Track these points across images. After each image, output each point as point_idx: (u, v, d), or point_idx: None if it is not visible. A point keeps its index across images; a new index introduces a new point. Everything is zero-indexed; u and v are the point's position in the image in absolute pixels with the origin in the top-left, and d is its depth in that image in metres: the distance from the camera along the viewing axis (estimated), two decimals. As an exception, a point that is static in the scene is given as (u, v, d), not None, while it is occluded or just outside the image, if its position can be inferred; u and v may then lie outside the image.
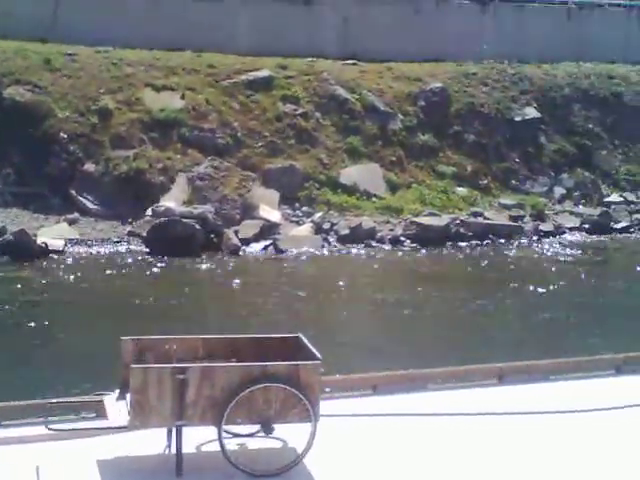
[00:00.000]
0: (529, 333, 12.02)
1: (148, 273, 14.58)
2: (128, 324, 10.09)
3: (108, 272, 14.49)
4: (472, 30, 23.60)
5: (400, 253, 16.87)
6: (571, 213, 19.76)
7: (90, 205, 16.84)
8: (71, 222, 16.36)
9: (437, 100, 20.98)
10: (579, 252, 17.51)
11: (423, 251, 17.01)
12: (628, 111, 22.53)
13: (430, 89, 21.07)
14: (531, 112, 21.60)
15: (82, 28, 20.39)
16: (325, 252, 16.60)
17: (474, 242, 17.67)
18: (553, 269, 16.07)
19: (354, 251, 16.80)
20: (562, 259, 16.93)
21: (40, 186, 16.91)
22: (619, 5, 26.10)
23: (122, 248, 15.85)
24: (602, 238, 18.91)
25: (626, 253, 18.06)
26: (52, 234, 15.70)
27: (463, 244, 17.57)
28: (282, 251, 16.26)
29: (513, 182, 20.53)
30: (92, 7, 21.07)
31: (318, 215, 17.79)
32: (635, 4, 25.94)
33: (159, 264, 15.02)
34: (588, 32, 24.63)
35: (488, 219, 18.63)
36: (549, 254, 17.35)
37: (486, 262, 16.44)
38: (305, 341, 5.46)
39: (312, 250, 16.47)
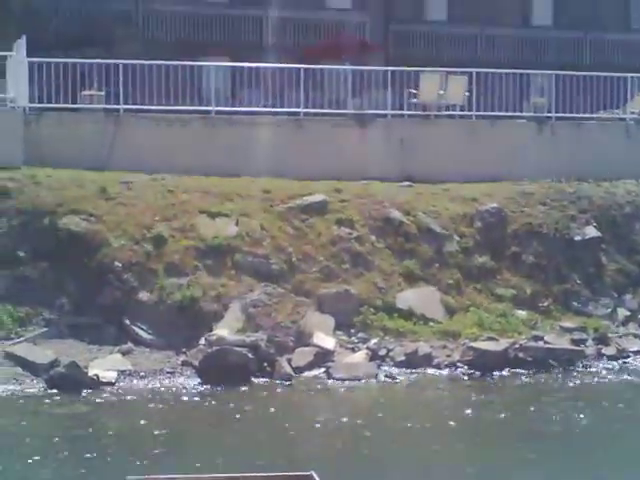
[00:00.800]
0: None
1: (197, 404, 14.36)
2: (165, 456, 9.82)
3: (158, 404, 14.30)
4: (529, 149, 23.49)
5: (456, 380, 16.49)
6: (635, 336, 19.21)
7: (144, 335, 16.76)
8: (125, 352, 16.26)
9: (494, 221, 20.75)
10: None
11: (479, 377, 16.59)
12: (689, 229, 22.08)
13: (486, 210, 20.86)
14: (591, 231, 21.24)
15: (140, 156, 20.71)
16: (380, 379, 16.28)
17: (533, 368, 17.19)
18: (620, 405, 15.44)
19: (410, 378, 16.46)
20: (626, 388, 16.38)
21: (95, 316, 16.89)
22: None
23: (175, 379, 15.68)
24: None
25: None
26: (105, 365, 15.60)
27: (522, 370, 17.09)
28: (335, 379, 15.97)
29: (575, 304, 20.08)
30: (149, 135, 21.40)
31: (374, 341, 17.52)
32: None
33: (210, 394, 14.84)
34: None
35: (548, 343, 18.17)
36: (613, 381, 16.80)
37: (546, 390, 15.98)
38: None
39: (366, 378, 16.17)
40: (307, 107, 23.06)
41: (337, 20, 33.92)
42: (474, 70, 24.35)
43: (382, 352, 17.22)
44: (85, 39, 27.93)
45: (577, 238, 21.04)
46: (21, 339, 16.05)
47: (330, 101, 23.98)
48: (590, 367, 17.61)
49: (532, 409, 14.86)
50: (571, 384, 16.57)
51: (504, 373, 16.99)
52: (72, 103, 21.68)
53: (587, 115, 24.96)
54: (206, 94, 22.68)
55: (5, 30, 23.61)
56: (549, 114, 24.60)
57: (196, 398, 14.79)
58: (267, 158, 21.50)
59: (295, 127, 22.74)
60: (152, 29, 31.84)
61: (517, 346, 17.75)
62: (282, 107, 23.41)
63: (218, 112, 22.59)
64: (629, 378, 17.07)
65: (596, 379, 16.99)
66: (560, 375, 17.12)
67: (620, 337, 19.12)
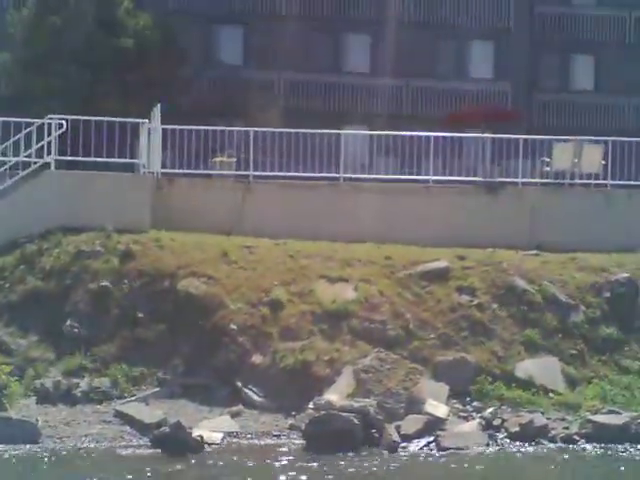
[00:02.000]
0: None
1: (299, 469, 14.28)
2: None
3: (260, 466, 14.30)
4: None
5: (571, 453, 15.92)
6: None
7: (255, 397, 16.85)
8: (234, 415, 16.37)
9: (623, 291, 20.14)
10: None
11: (597, 452, 16.00)
12: None
13: (616, 279, 20.28)
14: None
15: (268, 222, 21.06)
16: (491, 450, 15.87)
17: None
18: None
19: (522, 450, 16.00)
20: None
21: (208, 377, 17.11)
22: None
23: (281, 442, 15.67)
24: None
25: None
26: (212, 427, 15.73)
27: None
28: (444, 449, 15.66)
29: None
30: (278, 201, 21.75)
31: (489, 410, 17.14)
32: None
33: (313, 460, 14.71)
34: None
35: (680, 419, 17.41)
36: None
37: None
38: None
39: (477, 448, 15.79)
40: (437, 174, 22.96)
41: (479, 89, 33.87)
42: (611, 139, 23.87)
43: (496, 422, 16.80)
44: (225, 107, 28.71)
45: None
46: (132, 398, 16.34)
47: (467, 168, 23.86)
48: None
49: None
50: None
51: (623, 448, 16.27)
52: (203, 169, 22.24)
53: None
54: (335, 160, 22.80)
55: (147, 95, 24.43)
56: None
57: (298, 461, 14.69)
58: (393, 224, 21.58)
59: (424, 194, 22.70)
60: (292, 98, 32.46)
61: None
62: (412, 174, 23.40)
63: (346, 179, 22.75)
64: None
65: None
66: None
67: None
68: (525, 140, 23.61)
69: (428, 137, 23.15)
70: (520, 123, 31.67)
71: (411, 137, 23.30)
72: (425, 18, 34.23)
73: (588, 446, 16.30)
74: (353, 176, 22.92)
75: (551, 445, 16.33)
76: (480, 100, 33.50)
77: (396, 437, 15.70)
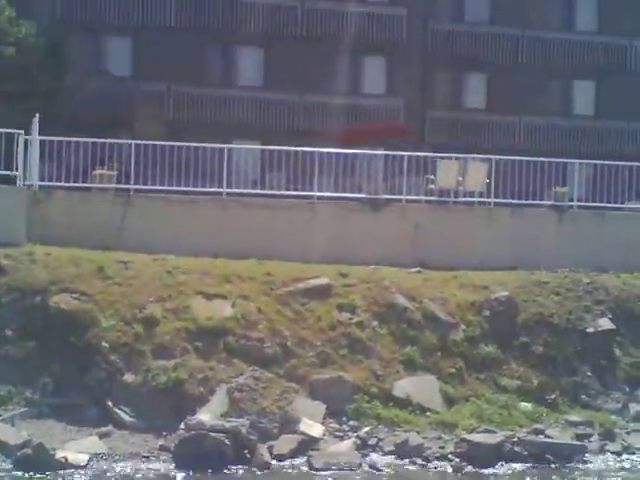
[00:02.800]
0: None
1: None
2: None
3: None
4: (548, 238, 23.03)
5: (443, 473, 15.86)
6: (645, 432, 18.43)
7: (126, 417, 16.43)
8: (103, 435, 15.92)
9: (503, 309, 20.19)
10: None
11: (469, 471, 15.96)
12: None
13: (496, 298, 20.31)
14: (605, 323, 20.57)
15: (148, 237, 20.66)
16: (364, 469, 15.70)
17: (528, 463, 16.51)
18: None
19: (396, 469, 15.87)
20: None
21: (78, 397, 16.64)
22: None
23: (150, 464, 15.27)
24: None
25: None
26: (79, 448, 15.27)
27: (516, 465, 16.42)
28: (316, 469, 15.45)
29: (583, 397, 19.37)
30: (159, 216, 21.36)
31: (365, 430, 17.00)
32: None
33: (181, 481, 14.40)
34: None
35: (549, 437, 17.49)
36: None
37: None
38: None
39: (348, 468, 15.61)
40: (324, 191, 22.82)
41: (372, 105, 33.92)
42: (494, 157, 24.03)
43: (372, 441, 16.67)
44: (111, 119, 28.22)
45: (590, 330, 20.39)
46: (-2, 418, 15.82)
47: (354, 185, 23.76)
48: (589, 463, 16.81)
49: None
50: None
51: (496, 467, 16.25)
52: (84, 182, 21.76)
53: (610, 205, 24.45)
54: (218, 174, 22.45)
55: (27, 105, 23.87)
56: (571, 203, 24.13)
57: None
58: (277, 241, 21.37)
59: (309, 211, 22.53)
60: (183, 111, 32.10)
61: (515, 439, 17.08)
62: (300, 190, 23.23)
63: (230, 194, 22.47)
64: (628, 475, 16.26)
65: (595, 478, 16.18)
66: (557, 471, 16.35)
67: (628, 433, 18.35)
68: (409, 157, 23.58)
69: (314, 153, 22.94)
70: (412, 140, 31.76)
71: (302, 152, 23.06)
72: (319, 32, 34.15)
73: (462, 465, 16.20)
74: (237, 191, 22.60)
75: (425, 464, 16.21)
76: (373, 116, 33.52)
77: (268, 457, 15.43)
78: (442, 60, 35.59)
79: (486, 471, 16.09)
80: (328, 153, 23.42)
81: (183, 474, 14.77)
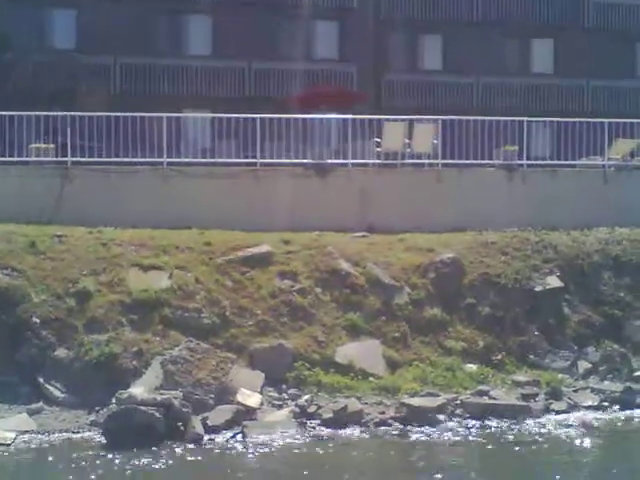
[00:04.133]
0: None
1: (94, 468, 13.60)
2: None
3: (51, 466, 13.59)
4: (498, 197, 22.71)
5: (382, 439, 15.57)
6: (592, 390, 18.17)
7: (58, 393, 16.10)
8: (33, 412, 15.59)
9: (448, 271, 19.89)
10: (584, 436, 15.93)
11: (409, 436, 15.68)
12: (665, 277, 21.02)
13: (441, 260, 20.01)
14: (553, 281, 20.29)
15: (86, 210, 20.26)
16: (301, 439, 15.37)
17: (470, 425, 16.27)
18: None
19: (334, 436, 15.57)
20: (558, 446, 15.38)
21: (9, 374, 16.26)
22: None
23: (79, 439, 14.94)
24: (622, 417, 17.26)
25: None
26: (7, 426, 14.93)
27: (456, 427, 16.15)
28: (250, 439, 15.13)
29: (531, 357, 19.13)
30: (97, 188, 20.95)
31: (305, 398, 16.70)
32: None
33: (109, 457, 14.04)
34: (627, 196, 23.39)
35: (494, 398, 17.24)
36: (548, 439, 15.79)
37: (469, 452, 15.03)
38: None
39: (285, 437, 15.29)
40: (264, 157, 22.42)
41: (324, 70, 33.44)
42: (441, 117, 23.67)
43: (312, 409, 16.36)
44: (56, 93, 27.70)
45: (538, 288, 20.11)
46: None
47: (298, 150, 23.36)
48: (533, 423, 16.54)
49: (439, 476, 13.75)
50: (504, 439, 15.59)
51: (435, 430, 15.98)
52: (20, 157, 21.34)
53: (561, 162, 24.17)
54: (158, 144, 21.98)
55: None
56: (520, 161, 23.79)
57: (98, 461, 13.97)
58: (218, 210, 21.01)
59: (252, 178, 22.14)
60: (131, 83, 31.58)
61: (457, 402, 16.83)
62: (246, 158, 22.84)
63: (171, 163, 22.05)
64: (570, 433, 16.01)
65: (535, 436, 15.92)
66: (500, 431, 16.09)
67: (576, 391, 18.12)
68: (354, 120, 23.19)
69: (256, 119, 22.51)
70: (368, 104, 31.32)
71: (251, 120, 22.60)
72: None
73: (401, 430, 15.93)
74: (176, 160, 22.19)
75: (365, 430, 15.91)
76: (326, 81, 33.06)
77: (200, 429, 15.10)
78: (396, 23, 35.10)
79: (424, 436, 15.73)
80: (272, 119, 22.90)
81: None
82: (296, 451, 14.79)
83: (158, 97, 30.96)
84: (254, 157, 22.61)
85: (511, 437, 15.83)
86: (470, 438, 15.74)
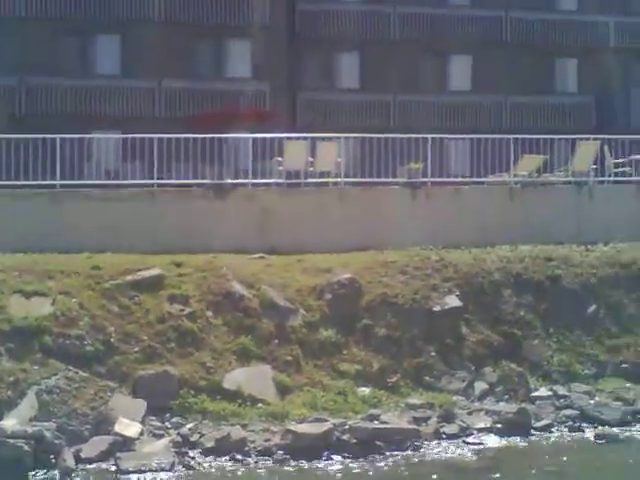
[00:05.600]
0: None
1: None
2: None
3: None
4: (401, 215, 22.46)
5: (257, 469, 15.15)
6: (486, 412, 17.87)
7: None
8: None
9: (345, 292, 19.54)
10: (472, 459, 15.67)
11: (290, 464, 15.28)
12: (566, 296, 20.82)
13: (338, 280, 19.66)
14: (452, 301, 20.02)
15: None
16: (176, 470, 14.91)
17: (355, 452, 15.86)
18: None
19: (212, 467, 15.13)
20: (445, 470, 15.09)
21: None
22: (569, 182, 24.86)
23: (-55, 474, 14.37)
24: (514, 439, 16.98)
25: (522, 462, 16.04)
26: None
27: (343, 455, 15.74)
28: (124, 472, 14.63)
29: (427, 379, 18.81)
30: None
31: (188, 426, 16.24)
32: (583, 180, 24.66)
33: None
34: (532, 212, 23.25)
35: (384, 422, 16.88)
36: (435, 462, 15.49)
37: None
38: None
39: (161, 469, 14.80)
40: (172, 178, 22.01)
41: (236, 89, 33.07)
42: (343, 135, 23.42)
43: (194, 438, 15.90)
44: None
45: (436, 308, 19.81)
46: None
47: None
48: (421, 448, 16.22)
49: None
50: (386, 468, 15.25)
51: (320, 460, 15.57)
52: None
53: (466, 179, 24.05)
54: (51, 166, 21.46)
55: None
56: (424, 179, 23.56)
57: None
58: (112, 233, 20.59)
59: (149, 200, 21.70)
60: (35, 105, 31.00)
61: (346, 427, 16.45)
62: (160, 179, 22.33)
63: (66, 185, 21.55)
64: (456, 458, 15.72)
65: (420, 461, 15.62)
66: (385, 459, 15.75)
67: (470, 413, 17.80)
68: (255, 140, 22.86)
69: (154, 139, 22.08)
70: (280, 123, 30.98)
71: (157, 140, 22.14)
72: (181, 16, 33.21)
73: (285, 458, 15.54)
74: (69, 182, 21.66)
75: (245, 459, 15.47)
76: (238, 100, 32.67)
77: (71, 462, 14.57)
78: (311, 40, 34.84)
79: (307, 464, 15.33)
80: (178, 139, 22.47)
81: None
82: (170, 482, 14.33)
83: (65, 117, 30.34)
84: (160, 178, 22.16)
85: (393, 463, 15.45)
86: (353, 465, 15.33)
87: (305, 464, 15.33)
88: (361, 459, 15.65)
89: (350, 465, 15.41)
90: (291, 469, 15.16)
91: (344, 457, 15.67)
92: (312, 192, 22.88)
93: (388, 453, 15.95)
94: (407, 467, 15.32)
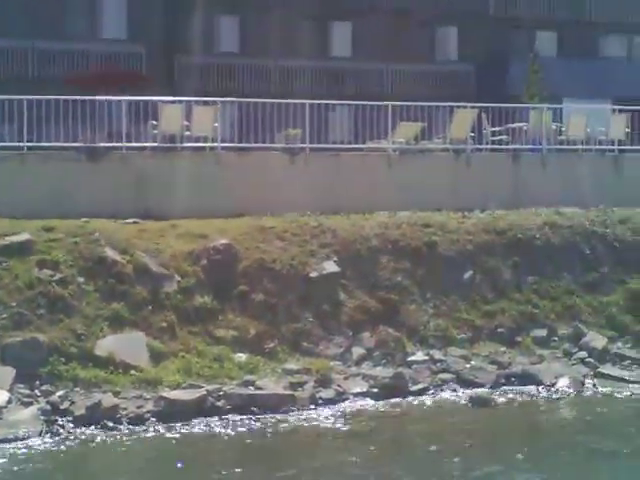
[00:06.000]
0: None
1: None
2: None
3: None
4: (280, 181, 22.21)
5: (139, 436, 14.86)
6: (363, 377, 17.84)
7: None
8: None
9: (221, 258, 19.24)
10: (345, 425, 15.62)
11: (163, 431, 15.01)
12: (442, 262, 20.89)
13: (214, 246, 19.34)
14: (330, 267, 19.90)
15: None
16: (46, 439, 14.49)
17: (231, 417, 15.70)
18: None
19: (84, 435, 14.77)
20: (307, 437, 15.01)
21: None
22: (447, 150, 24.95)
23: None
24: (392, 403, 17.02)
25: (396, 424, 16.09)
26: None
27: (216, 419, 15.56)
28: (-8, 440, 14.16)
29: (305, 344, 18.68)
30: None
31: (58, 394, 15.78)
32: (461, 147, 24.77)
33: None
34: (410, 179, 23.22)
35: (260, 388, 16.71)
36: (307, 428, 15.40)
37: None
38: None
39: (28, 438, 14.37)
40: (32, 141, 21.27)
41: (111, 51, 32.30)
42: (220, 100, 23.05)
43: (65, 405, 15.47)
44: None
45: (313, 274, 19.66)
46: None
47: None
48: (295, 413, 16.11)
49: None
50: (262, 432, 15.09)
51: (195, 425, 15.35)
52: None
53: (346, 146, 23.96)
54: None
55: None
56: (303, 145, 23.32)
57: None
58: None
59: (18, 163, 20.99)
60: None
61: (221, 393, 16.23)
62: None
63: None
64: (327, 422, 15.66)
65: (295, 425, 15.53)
66: (259, 424, 15.59)
67: (347, 378, 17.74)
68: (129, 102, 22.31)
69: (23, 101, 21.35)
70: (156, 86, 30.37)
71: (28, 101, 21.37)
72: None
73: (159, 424, 15.26)
74: None
75: (117, 427, 15.14)
76: (113, 62, 31.92)
77: None
78: (190, 2, 34.23)
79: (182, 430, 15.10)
80: (49, 101, 21.74)
81: None
82: (41, 452, 13.92)
83: None
84: (30, 141, 21.44)
85: (271, 428, 15.32)
86: (228, 431, 15.15)
87: (177, 431, 15.02)
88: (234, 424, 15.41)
89: (215, 430, 15.15)
90: (159, 435, 14.84)
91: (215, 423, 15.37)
92: (188, 157, 22.43)
93: (262, 417, 15.73)
94: (273, 432, 15.14)
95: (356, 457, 14.17)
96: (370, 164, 23.59)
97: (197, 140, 22.76)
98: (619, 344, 19.92)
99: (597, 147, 25.88)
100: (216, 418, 15.67)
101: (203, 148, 22.83)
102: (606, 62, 42.36)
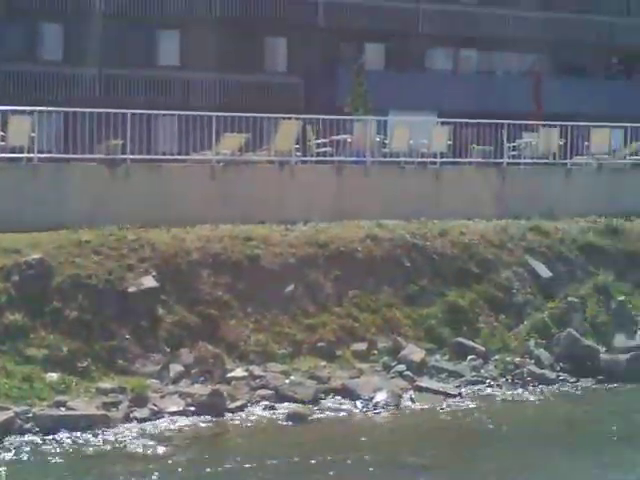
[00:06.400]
0: None
1: None
2: None
3: None
4: (97, 194, 21.72)
5: None
6: (180, 395, 17.49)
7: None
8: None
9: (33, 273, 18.60)
10: (149, 447, 15.29)
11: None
12: (264, 275, 20.70)
13: (25, 261, 18.69)
14: (148, 281, 19.47)
15: None
16: None
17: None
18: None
19: None
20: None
21: None
22: (272, 162, 24.82)
23: None
24: (207, 421, 16.73)
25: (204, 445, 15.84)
26: None
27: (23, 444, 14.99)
28: None
29: (120, 362, 18.21)
30: None
31: None
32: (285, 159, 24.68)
33: None
34: (235, 191, 23.03)
35: (72, 409, 16.19)
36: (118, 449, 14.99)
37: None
38: None
39: None
40: None
41: None
42: (38, 109, 22.44)
43: None
44: None
45: (131, 289, 19.21)
46: None
47: None
48: (107, 433, 15.66)
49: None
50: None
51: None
52: None
53: (170, 157, 23.66)
54: None
55: None
56: (124, 156, 22.83)
57: None
58: None
59: None
60: None
61: (29, 415, 15.66)
62: None
63: None
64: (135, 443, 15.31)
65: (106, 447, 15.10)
66: (71, 444, 15.11)
67: (163, 397, 17.37)
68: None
69: None
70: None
71: None
72: None
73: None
74: None
75: None
76: None
77: None
78: (14, 10, 33.27)
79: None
80: None
81: None
82: None
83: None
84: None
85: (83, 450, 14.88)
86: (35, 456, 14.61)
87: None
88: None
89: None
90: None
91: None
92: (4, 169, 21.66)
93: (70, 440, 15.25)
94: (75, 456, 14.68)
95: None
96: (193, 176, 23.28)
97: (13, 151, 21.99)
98: (437, 356, 20.12)
99: (419, 159, 26.07)
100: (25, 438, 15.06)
101: (20, 159, 22.06)
102: (433, 75, 43.14)
